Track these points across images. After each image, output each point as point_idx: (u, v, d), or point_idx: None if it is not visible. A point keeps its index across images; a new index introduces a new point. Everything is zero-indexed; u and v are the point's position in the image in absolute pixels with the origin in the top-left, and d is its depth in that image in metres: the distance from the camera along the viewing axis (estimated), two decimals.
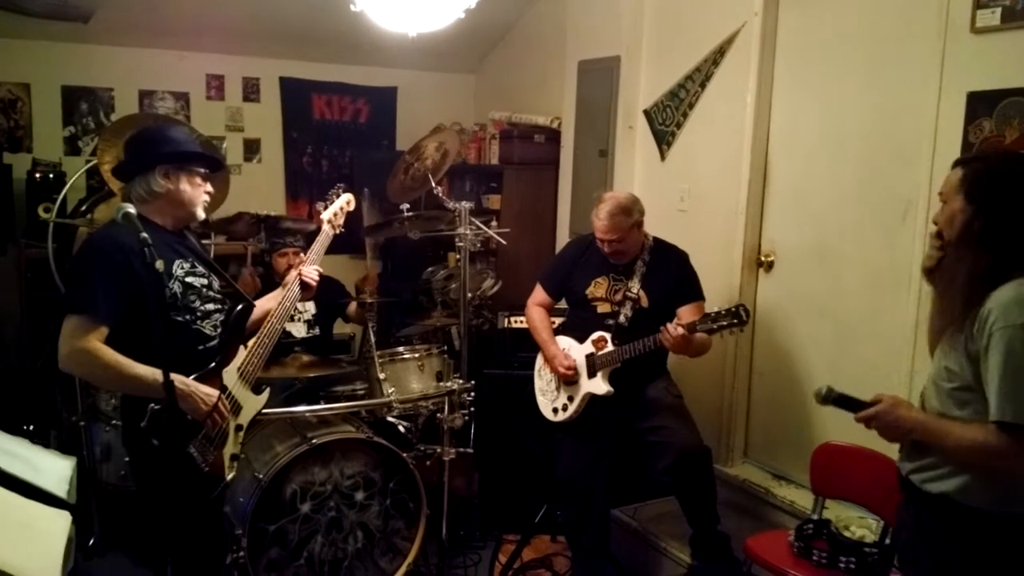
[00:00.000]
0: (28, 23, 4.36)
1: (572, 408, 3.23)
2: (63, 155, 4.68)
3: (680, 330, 2.90)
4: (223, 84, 5.14)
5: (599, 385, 3.15)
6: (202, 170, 2.44)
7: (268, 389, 2.59)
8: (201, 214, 2.47)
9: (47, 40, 4.55)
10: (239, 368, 2.43)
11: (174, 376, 2.16)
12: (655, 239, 3.33)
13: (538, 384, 3.43)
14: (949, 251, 1.93)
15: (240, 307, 2.47)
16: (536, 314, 3.47)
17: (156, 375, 2.18)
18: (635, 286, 3.21)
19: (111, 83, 4.82)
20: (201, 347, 2.37)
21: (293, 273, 2.72)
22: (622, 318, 3.20)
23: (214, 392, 2.29)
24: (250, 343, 2.50)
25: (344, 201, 2.99)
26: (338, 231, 2.94)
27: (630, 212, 3.15)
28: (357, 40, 4.66)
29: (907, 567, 2.11)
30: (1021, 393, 1.74)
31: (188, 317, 2.35)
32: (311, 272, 2.73)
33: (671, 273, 3.25)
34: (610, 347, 3.14)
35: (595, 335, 3.19)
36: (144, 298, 2.20)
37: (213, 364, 2.35)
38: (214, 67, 5.09)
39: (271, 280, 3.96)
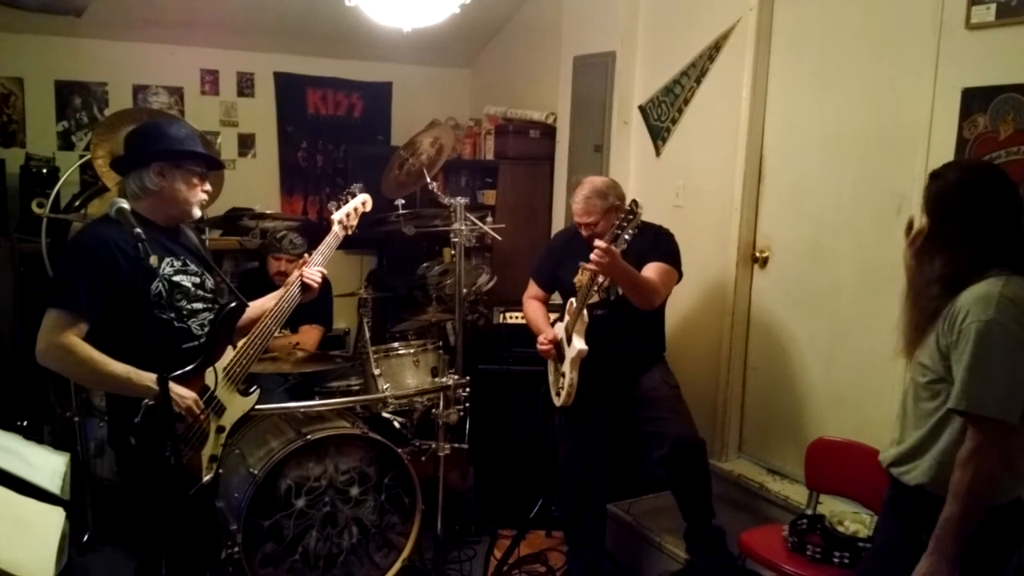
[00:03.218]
0: (21, 17, 4.34)
1: (566, 382, 3.17)
2: (56, 150, 4.65)
3: (599, 243, 2.84)
4: (217, 79, 5.11)
5: (575, 347, 3.11)
6: (199, 169, 2.41)
7: (258, 391, 2.54)
8: (197, 213, 2.44)
9: (40, 34, 4.52)
10: (226, 368, 2.39)
11: (148, 375, 2.17)
12: (641, 222, 3.32)
13: (549, 378, 3.44)
14: (918, 259, 2.06)
15: (230, 306, 2.42)
16: (530, 306, 3.50)
17: (131, 373, 2.19)
18: None
19: (105, 77, 4.79)
20: (185, 345, 2.34)
21: (295, 273, 2.65)
22: (612, 297, 3.20)
23: (188, 393, 2.25)
24: (240, 343, 2.46)
25: (359, 202, 2.88)
26: (350, 232, 2.84)
27: (605, 196, 3.17)
28: (352, 35, 4.64)
29: (879, 536, 2.22)
30: (979, 384, 1.83)
31: (173, 315, 2.32)
32: (314, 274, 2.64)
33: (647, 249, 3.22)
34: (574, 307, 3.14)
35: (567, 304, 3.20)
36: (127, 295, 2.20)
37: (193, 365, 2.30)
38: (208, 62, 5.06)
39: (263, 279, 3.95)
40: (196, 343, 2.37)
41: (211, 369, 2.35)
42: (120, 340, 2.24)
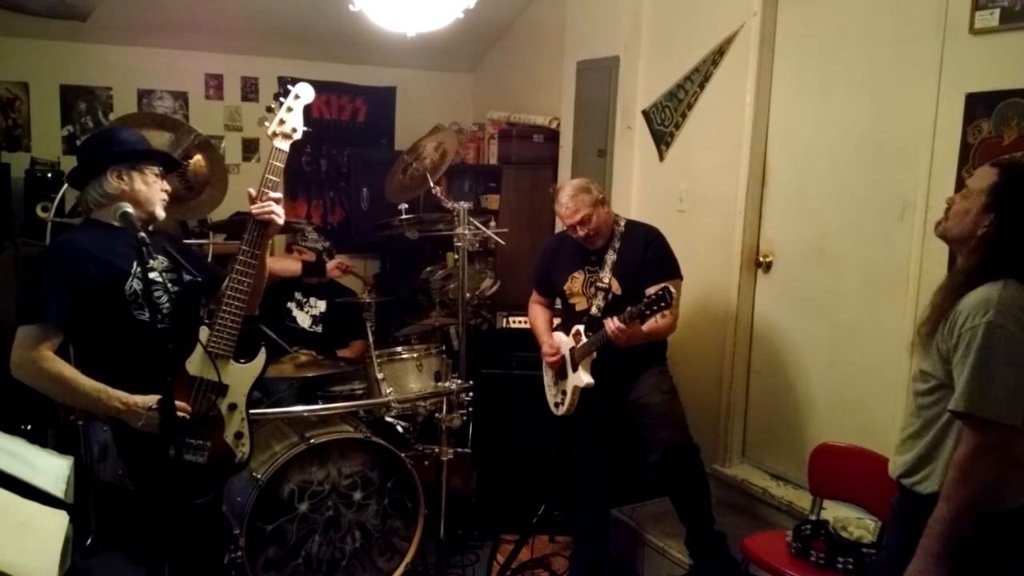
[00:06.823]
0: (26, 21, 4.35)
1: (567, 401, 3.26)
2: (61, 154, 4.67)
3: (616, 323, 2.92)
4: (222, 83, 5.13)
5: (580, 378, 3.19)
6: (156, 168, 2.39)
7: (263, 353, 2.44)
8: (161, 212, 2.40)
9: (45, 39, 4.54)
10: (206, 348, 2.32)
11: (117, 394, 2.17)
12: (627, 222, 3.35)
13: (545, 379, 3.46)
14: (962, 255, 2.00)
15: (186, 284, 2.38)
16: (534, 310, 3.56)
17: (100, 392, 2.18)
18: (606, 276, 3.24)
19: (109, 82, 4.80)
20: (172, 346, 2.31)
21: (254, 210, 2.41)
22: (594, 309, 3.23)
23: (147, 400, 2.19)
24: (215, 316, 2.37)
25: (291, 99, 2.45)
26: (295, 137, 2.45)
27: (588, 190, 3.20)
28: (356, 39, 4.65)
29: (888, 544, 2.20)
30: (981, 387, 1.82)
31: (157, 315, 2.27)
32: (265, 207, 2.38)
33: (638, 254, 3.24)
34: (584, 340, 3.18)
35: (573, 329, 3.24)
36: (101, 301, 2.21)
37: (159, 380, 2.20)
38: (212, 66, 5.08)
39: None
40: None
41: (193, 355, 2.30)
42: (104, 349, 2.25)
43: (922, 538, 1.89)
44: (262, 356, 2.46)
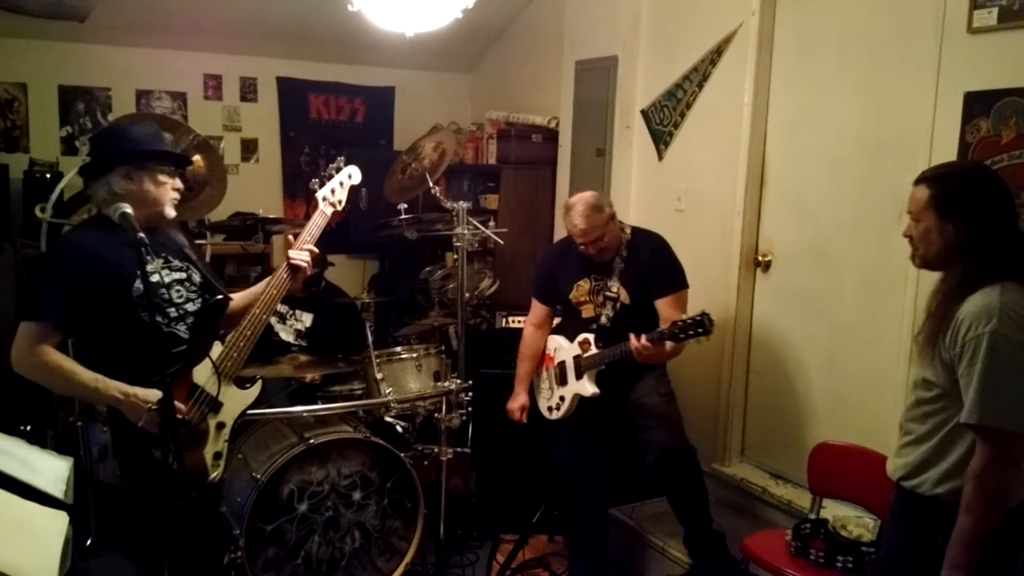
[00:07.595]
0: (24, 22, 4.35)
1: (564, 407, 3.27)
2: (60, 155, 4.67)
3: (643, 341, 2.90)
4: (220, 84, 5.13)
5: (585, 387, 3.19)
6: (167, 168, 2.36)
7: (259, 384, 2.48)
8: (171, 212, 2.38)
9: (43, 39, 4.54)
10: (215, 364, 2.33)
11: (115, 384, 2.17)
12: (633, 230, 3.33)
13: (535, 381, 3.45)
14: (943, 271, 2.00)
15: (212, 300, 2.38)
16: (524, 346, 3.50)
17: (98, 383, 2.18)
18: (614, 285, 3.23)
19: (108, 83, 4.80)
20: (176, 350, 2.30)
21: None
22: (603, 319, 3.22)
23: (153, 396, 2.18)
24: (229, 336, 2.39)
25: (344, 176, 2.71)
26: (339, 208, 2.67)
27: (600, 208, 3.16)
28: (354, 40, 4.66)
29: (887, 543, 2.21)
30: (990, 397, 1.82)
31: (160, 318, 2.28)
32: (301, 255, 2.51)
33: (645, 263, 3.23)
34: (593, 350, 3.17)
35: (580, 337, 3.22)
36: (103, 299, 2.20)
37: (176, 367, 2.25)
38: (211, 67, 5.08)
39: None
40: (183, 347, 2.33)
41: (200, 366, 2.31)
42: (105, 346, 2.25)
43: (948, 552, 1.88)
44: (257, 387, 2.48)
